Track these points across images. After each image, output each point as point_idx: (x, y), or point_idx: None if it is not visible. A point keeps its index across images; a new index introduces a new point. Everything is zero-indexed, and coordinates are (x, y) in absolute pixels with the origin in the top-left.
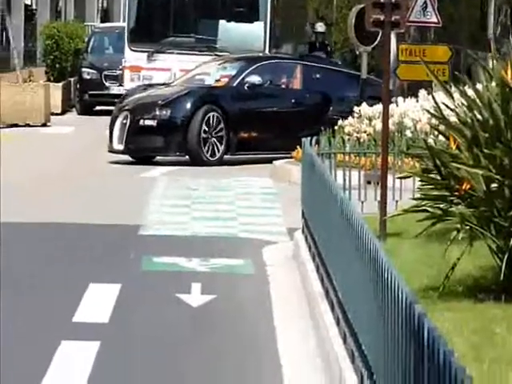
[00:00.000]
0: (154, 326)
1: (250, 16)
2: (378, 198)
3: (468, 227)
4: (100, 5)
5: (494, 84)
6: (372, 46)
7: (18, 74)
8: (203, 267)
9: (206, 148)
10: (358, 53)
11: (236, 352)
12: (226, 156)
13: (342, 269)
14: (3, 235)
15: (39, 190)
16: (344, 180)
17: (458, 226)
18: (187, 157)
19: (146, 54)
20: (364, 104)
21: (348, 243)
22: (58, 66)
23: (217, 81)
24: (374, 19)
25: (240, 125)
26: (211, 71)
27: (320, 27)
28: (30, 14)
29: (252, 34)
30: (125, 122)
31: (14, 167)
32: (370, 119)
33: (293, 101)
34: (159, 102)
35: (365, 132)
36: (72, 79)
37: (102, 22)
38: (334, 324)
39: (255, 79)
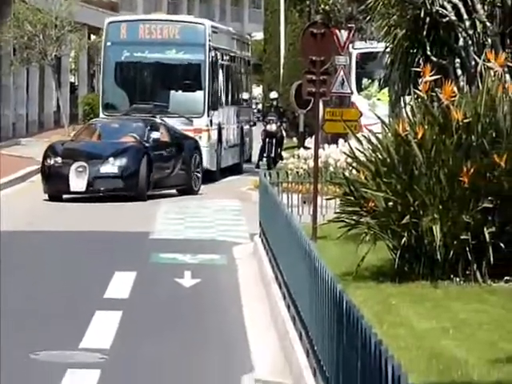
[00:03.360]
0: (159, 299)
1: (193, 87)
2: (311, 213)
3: (372, 232)
4: None
5: (390, 134)
6: (306, 109)
7: (66, 130)
8: (193, 260)
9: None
10: (297, 114)
11: (215, 315)
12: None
13: (286, 261)
14: (58, 240)
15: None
16: (288, 200)
17: (366, 231)
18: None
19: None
20: (302, 149)
21: (291, 243)
22: None
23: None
24: (308, 91)
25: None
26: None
27: (273, 94)
28: (73, 89)
29: (194, 100)
30: (81, 170)
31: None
32: (305, 159)
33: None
34: (111, 152)
35: (302, 168)
36: None
37: None
38: (281, 298)
39: (155, 135)
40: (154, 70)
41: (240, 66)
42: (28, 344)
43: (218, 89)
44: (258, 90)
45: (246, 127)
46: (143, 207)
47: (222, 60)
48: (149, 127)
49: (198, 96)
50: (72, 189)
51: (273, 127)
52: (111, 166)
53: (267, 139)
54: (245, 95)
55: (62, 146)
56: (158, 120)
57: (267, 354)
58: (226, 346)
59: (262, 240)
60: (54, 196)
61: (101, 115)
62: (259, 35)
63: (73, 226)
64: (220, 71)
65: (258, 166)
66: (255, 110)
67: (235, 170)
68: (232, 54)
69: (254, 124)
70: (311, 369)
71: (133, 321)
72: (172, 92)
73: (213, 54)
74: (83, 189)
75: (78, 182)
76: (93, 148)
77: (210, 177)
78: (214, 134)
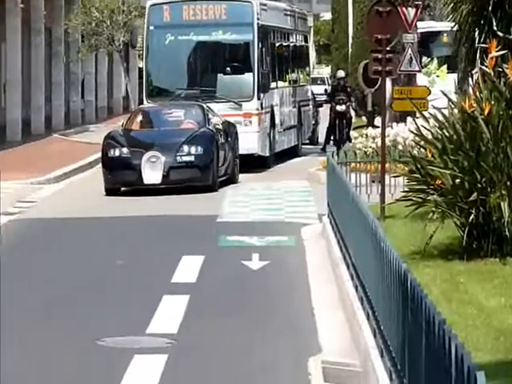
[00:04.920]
0: (227, 282)
1: (242, 69)
2: (379, 192)
3: (440, 210)
4: None
5: (456, 111)
6: (374, 88)
7: None
8: (260, 242)
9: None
10: (365, 93)
11: (283, 297)
12: None
13: (354, 241)
14: (127, 225)
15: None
16: (356, 180)
17: (433, 209)
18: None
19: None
20: (370, 128)
21: (357, 223)
22: None
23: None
24: (374, 70)
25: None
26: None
27: (340, 73)
28: (141, 74)
29: (243, 83)
30: (154, 160)
31: None
32: (373, 138)
33: None
34: (182, 140)
35: (370, 147)
36: None
37: None
38: (349, 279)
39: (215, 120)
40: (199, 53)
41: (296, 43)
42: (95, 330)
43: (270, 69)
44: (326, 70)
45: (306, 107)
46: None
47: (274, 39)
48: (206, 112)
49: (247, 78)
50: (146, 181)
51: (342, 107)
52: (187, 155)
53: (336, 120)
54: (303, 73)
55: (123, 134)
56: (204, 105)
57: (335, 335)
58: (294, 328)
59: (331, 220)
60: (113, 190)
61: (145, 102)
62: (327, 15)
63: (141, 210)
64: (271, 50)
65: (324, 149)
66: (322, 90)
67: (292, 153)
68: (285, 31)
69: (320, 105)
70: (378, 349)
71: (200, 305)
72: (219, 75)
73: (262, 33)
74: (159, 180)
75: (152, 174)
76: (161, 136)
77: (262, 163)
78: (266, 118)
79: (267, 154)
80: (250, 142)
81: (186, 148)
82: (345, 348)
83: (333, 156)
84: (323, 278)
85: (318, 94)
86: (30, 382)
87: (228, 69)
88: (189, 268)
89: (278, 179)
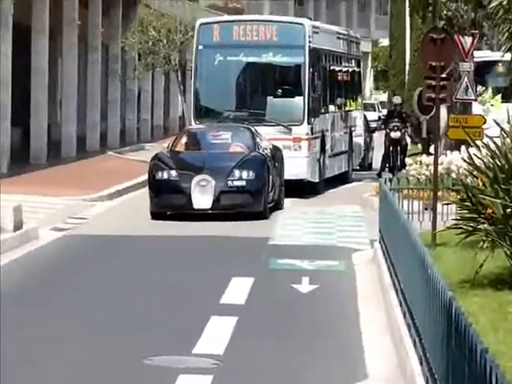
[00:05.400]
0: (276, 305)
1: (292, 92)
2: (431, 219)
3: (490, 239)
4: None
5: (508, 140)
6: (429, 115)
7: None
8: (311, 266)
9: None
10: (420, 120)
11: (331, 321)
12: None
13: (403, 267)
14: (177, 244)
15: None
16: (408, 207)
17: (484, 238)
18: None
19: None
20: (424, 155)
21: (407, 250)
22: None
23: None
24: (428, 97)
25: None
26: (220, 138)
27: (396, 100)
28: None
29: (293, 106)
30: (204, 184)
31: None
32: (427, 165)
33: None
34: (233, 164)
35: (424, 174)
36: None
37: None
38: (397, 305)
39: (264, 144)
40: (249, 74)
41: (348, 67)
42: (142, 348)
43: (321, 93)
44: (383, 96)
45: (357, 133)
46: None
47: (326, 62)
48: (255, 136)
49: (298, 102)
50: (196, 206)
51: (397, 134)
52: (238, 179)
53: (391, 147)
54: (354, 98)
55: (171, 156)
56: (252, 128)
57: (381, 361)
58: (341, 352)
59: (382, 246)
60: (159, 214)
61: (192, 123)
62: (386, 41)
63: (191, 231)
64: (323, 74)
65: (379, 175)
66: (376, 116)
67: (342, 179)
68: (337, 55)
69: (373, 131)
70: (424, 377)
71: (248, 327)
72: (269, 98)
73: (314, 56)
74: (209, 205)
75: (202, 198)
76: (210, 159)
77: (311, 188)
78: (316, 143)
79: (317, 180)
80: (299, 167)
81: (237, 172)
82: (391, 374)
83: (385, 182)
84: (372, 303)
85: (371, 121)
86: None
87: (278, 91)
88: (238, 289)
89: (329, 204)
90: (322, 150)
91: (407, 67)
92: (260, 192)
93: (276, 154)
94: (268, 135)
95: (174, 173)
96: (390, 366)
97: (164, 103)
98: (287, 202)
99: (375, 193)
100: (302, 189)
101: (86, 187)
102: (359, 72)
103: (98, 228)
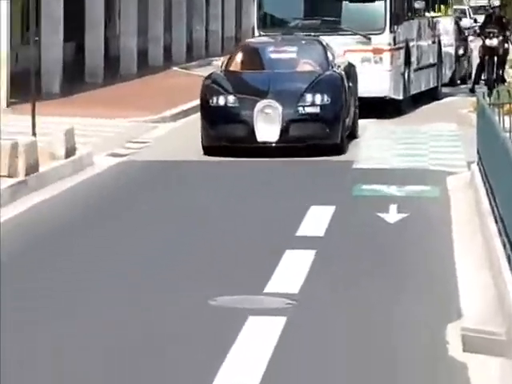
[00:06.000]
0: (359, 237)
1: None
2: None
3: None
4: None
5: None
6: None
7: None
8: (399, 192)
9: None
10: None
11: (422, 254)
12: None
13: (503, 192)
14: (251, 168)
15: None
16: (510, 125)
17: None
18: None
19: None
20: None
21: (508, 173)
22: None
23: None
24: None
25: None
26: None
27: (497, 1)
28: None
29: (373, 11)
30: (269, 111)
31: None
32: None
33: None
34: (304, 86)
35: None
36: None
37: None
38: (497, 234)
39: (340, 60)
40: None
41: None
42: (208, 287)
43: None
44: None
45: (447, 41)
46: None
47: None
48: (327, 50)
49: (378, 6)
50: (259, 138)
51: (493, 42)
52: (311, 105)
53: (486, 57)
54: (445, 1)
55: (227, 77)
56: (323, 41)
57: (477, 298)
58: (432, 289)
59: (480, 169)
60: (214, 148)
61: (256, 33)
62: None
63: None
64: None
65: (472, 90)
66: (471, 21)
67: (430, 95)
68: None
69: (465, 38)
70: None
71: (327, 262)
72: (344, 3)
73: None
74: (276, 138)
75: (267, 129)
76: (276, 80)
77: (394, 107)
78: (400, 54)
79: (401, 97)
80: (380, 82)
81: (309, 96)
82: (488, 313)
83: (483, 97)
84: (468, 233)
85: (465, 29)
86: (137, 337)
87: None
88: (317, 220)
89: (420, 123)
90: (407, 62)
91: None
92: (337, 120)
93: (350, 72)
94: (343, 46)
95: (231, 98)
96: (487, 305)
97: (236, 11)
98: (367, 123)
99: (473, 109)
100: (382, 108)
101: (148, 107)
102: None
103: (159, 153)
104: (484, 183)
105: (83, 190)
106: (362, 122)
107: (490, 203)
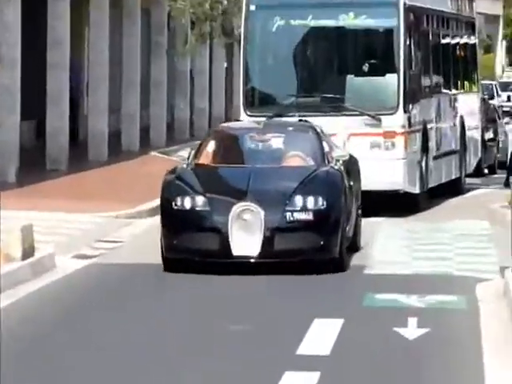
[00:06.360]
0: (372, 357)
1: (381, 68)
2: None
3: None
4: None
5: None
6: None
7: None
8: (420, 303)
9: None
10: None
11: (446, 377)
12: None
13: None
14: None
15: None
16: None
17: None
18: None
19: (263, 119)
20: None
21: None
22: None
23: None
24: None
25: None
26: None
27: None
28: None
29: (384, 87)
30: (247, 217)
31: None
32: None
33: None
34: (293, 185)
35: None
36: None
37: None
38: None
39: (338, 153)
40: (320, 44)
41: (458, 33)
42: None
43: (422, 69)
44: None
45: (473, 124)
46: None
47: (427, 26)
48: (322, 139)
49: (389, 82)
50: (235, 252)
51: None
52: (301, 210)
53: None
54: (468, 76)
55: (195, 173)
56: (318, 128)
57: None
58: None
59: None
60: (177, 262)
61: (242, 115)
62: None
63: None
64: (424, 43)
65: (507, 184)
66: (503, 98)
67: (452, 189)
68: (444, 16)
69: (494, 119)
70: None
71: None
72: (349, 77)
73: (412, 18)
74: (256, 251)
75: (245, 240)
76: (257, 177)
77: (410, 202)
78: (416, 139)
79: (417, 191)
80: (393, 173)
81: (299, 199)
82: None
83: None
84: (503, 354)
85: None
86: None
87: (362, 68)
88: (321, 335)
89: (445, 219)
90: (424, 148)
91: None
92: (335, 229)
93: (351, 167)
94: (349, 129)
95: (201, 199)
96: None
97: (226, 87)
98: (381, 220)
99: (507, 203)
100: (396, 203)
101: (121, 200)
102: (474, 39)
103: (134, 255)
104: None
105: (40, 299)
106: (373, 220)
107: None
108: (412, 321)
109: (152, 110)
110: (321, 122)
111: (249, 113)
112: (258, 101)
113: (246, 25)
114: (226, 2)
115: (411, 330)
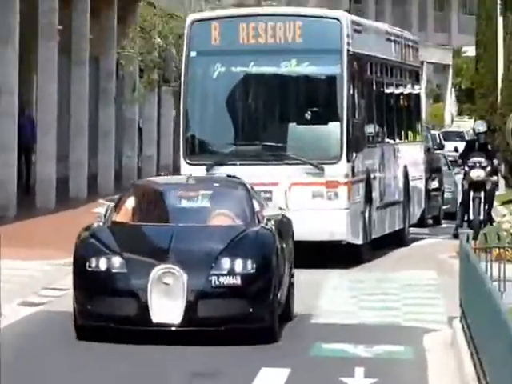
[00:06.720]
0: None
1: (324, 117)
2: None
3: None
4: None
5: None
6: None
7: None
8: (367, 352)
9: None
10: None
11: None
12: None
13: (491, 355)
14: None
15: None
16: (500, 272)
17: None
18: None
19: (203, 167)
20: None
21: (495, 331)
22: None
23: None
24: None
25: None
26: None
27: (480, 126)
28: None
29: (326, 136)
30: (169, 281)
31: None
32: None
33: None
34: (220, 246)
35: None
36: None
37: None
38: None
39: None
40: (263, 91)
41: (403, 81)
42: None
43: (365, 118)
44: (469, 123)
45: (417, 174)
46: (306, 277)
47: (371, 73)
48: (252, 196)
49: (333, 130)
50: (155, 319)
51: (480, 174)
52: (228, 274)
53: (471, 192)
54: (412, 125)
55: (113, 231)
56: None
57: None
58: None
59: (463, 326)
60: (91, 329)
61: (182, 165)
62: (471, 50)
63: None
64: (367, 91)
65: (456, 235)
66: (452, 149)
67: (395, 240)
68: (388, 64)
69: (438, 169)
70: None
71: None
72: (291, 126)
73: (355, 65)
74: (178, 319)
75: (166, 306)
76: (180, 237)
77: (353, 254)
78: (359, 189)
79: (360, 242)
80: (335, 223)
81: (226, 262)
82: None
83: (468, 240)
84: None
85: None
86: None
87: (304, 116)
88: None
89: (392, 269)
90: (368, 198)
91: (500, 84)
92: (265, 295)
93: (284, 228)
94: (290, 178)
95: (117, 260)
96: None
97: (174, 134)
98: (326, 272)
99: (456, 253)
100: (338, 254)
101: (68, 248)
102: (418, 89)
103: None
104: (468, 343)
105: None
106: (318, 272)
107: (475, 367)
108: (359, 371)
109: (100, 157)
110: (262, 170)
111: (188, 161)
112: (198, 149)
113: (186, 71)
114: (175, 51)
115: (358, 380)
